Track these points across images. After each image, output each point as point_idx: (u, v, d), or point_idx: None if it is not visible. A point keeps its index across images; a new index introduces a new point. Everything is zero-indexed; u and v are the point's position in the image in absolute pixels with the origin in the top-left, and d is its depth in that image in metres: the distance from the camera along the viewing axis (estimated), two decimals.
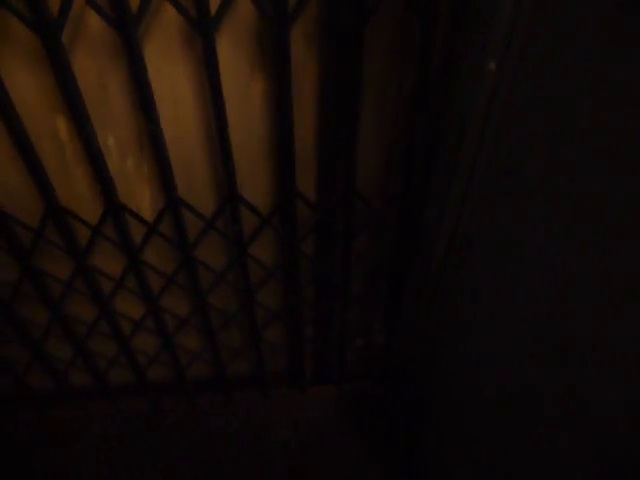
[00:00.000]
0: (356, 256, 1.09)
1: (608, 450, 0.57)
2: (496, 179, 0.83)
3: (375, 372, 1.49)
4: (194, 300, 1.13)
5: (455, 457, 1.08)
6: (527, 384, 0.75)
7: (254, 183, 0.96)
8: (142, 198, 0.96)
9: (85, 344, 1.23)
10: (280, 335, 1.36)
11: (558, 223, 0.66)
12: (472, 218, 0.92)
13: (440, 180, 0.93)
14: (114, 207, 0.91)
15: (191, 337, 1.30)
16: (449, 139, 0.86)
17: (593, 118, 0.57)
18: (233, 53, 0.78)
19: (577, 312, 0.62)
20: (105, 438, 1.41)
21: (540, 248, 0.70)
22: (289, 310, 1.22)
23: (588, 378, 0.60)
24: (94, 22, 0.71)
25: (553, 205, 0.66)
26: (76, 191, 0.94)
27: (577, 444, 0.63)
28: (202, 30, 0.68)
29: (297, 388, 1.48)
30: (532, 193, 0.72)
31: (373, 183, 0.99)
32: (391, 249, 1.10)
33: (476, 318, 0.96)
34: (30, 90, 0.79)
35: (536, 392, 0.72)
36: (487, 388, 0.91)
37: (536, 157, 0.70)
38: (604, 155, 0.55)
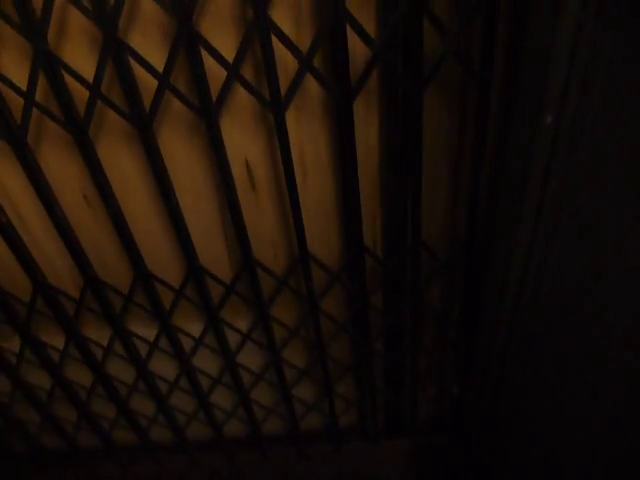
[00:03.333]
0: (425, 306, 1.11)
1: None
2: (562, 225, 0.83)
3: (449, 423, 1.45)
4: (268, 356, 1.17)
5: None
6: (618, 432, 0.73)
7: (323, 240, 1.01)
8: (221, 261, 1.03)
9: (166, 400, 1.29)
10: (352, 388, 1.37)
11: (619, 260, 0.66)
12: (540, 265, 0.92)
13: (505, 230, 0.94)
14: (195, 269, 0.98)
15: (265, 392, 1.33)
16: (512, 191, 0.88)
17: None
18: (298, 120, 0.85)
19: None
20: None
21: (613, 291, 0.70)
22: (360, 363, 1.23)
23: None
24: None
25: (624, 248, 0.67)
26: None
27: None
28: (275, 108, 0.75)
29: (370, 442, 1.47)
30: (600, 236, 0.72)
31: (439, 234, 1.02)
32: (460, 298, 1.11)
33: (553, 367, 0.94)
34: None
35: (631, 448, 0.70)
36: (573, 439, 0.88)
37: (602, 198, 0.71)
38: None
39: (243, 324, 1.13)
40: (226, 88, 0.74)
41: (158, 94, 0.74)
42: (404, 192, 0.93)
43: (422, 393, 1.38)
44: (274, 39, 0.69)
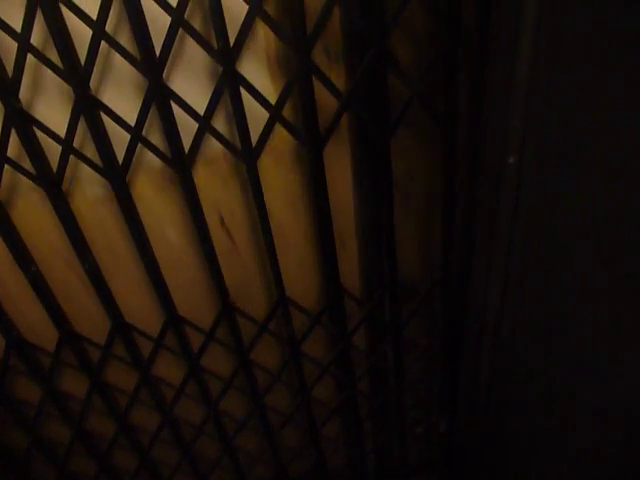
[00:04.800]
0: (407, 343, 1.10)
1: None
2: (530, 259, 0.85)
3: (440, 461, 1.43)
4: (252, 402, 1.15)
5: None
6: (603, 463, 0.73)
7: (302, 283, 1.02)
8: (201, 308, 1.02)
9: (149, 452, 1.25)
10: (339, 431, 1.34)
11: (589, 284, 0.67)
12: (517, 296, 0.93)
13: (480, 262, 0.95)
14: (173, 319, 0.97)
15: (250, 439, 1.30)
16: (483, 225, 0.90)
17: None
18: (274, 167, 0.87)
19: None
20: None
21: (581, 324, 0.71)
22: (345, 404, 1.21)
23: None
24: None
25: (588, 290, 0.68)
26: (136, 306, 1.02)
27: None
28: (247, 158, 0.76)
29: None
30: (565, 281, 0.74)
31: (416, 271, 1.03)
32: (441, 333, 1.11)
33: (537, 395, 0.94)
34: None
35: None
36: (560, 471, 0.87)
37: (566, 243, 0.73)
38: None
39: (225, 369, 1.12)
40: (198, 139, 0.75)
41: (130, 147, 0.75)
42: (379, 231, 0.94)
43: (410, 431, 1.36)
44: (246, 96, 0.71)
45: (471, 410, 1.23)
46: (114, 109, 0.72)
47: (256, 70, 0.79)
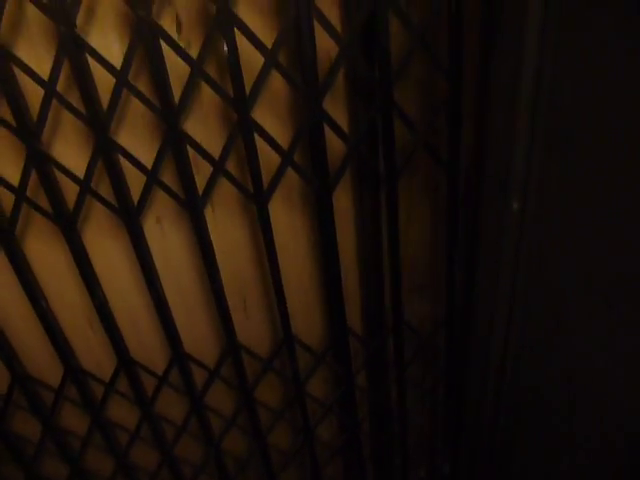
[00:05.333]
0: (410, 383, 1.11)
1: None
2: (534, 297, 0.87)
3: None
4: (253, 441, 1.14)
5: None
6: None
7: (305, 322, 1.03)
8: (204, 345, 1.03)
9: None
10: (341, 472, 1.33)
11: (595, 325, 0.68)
12: (520, 339, 0.94)
13: (484, 304, 0.97)
14: (179, 356, 0.97)
15: (251, 478, 1.29)
16: (486, 267, 0.91)
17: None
18: (283, 211, 0.90)
19: None
20: None
21: (588, 366, 0.72)
22: (348, 445, 1.20)
23: None
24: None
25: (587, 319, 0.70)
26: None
27: None
28: (258, 200, 0.79)
29: None
30: (568, 312, 0.76)
31: (420, 312, 1.04)
32: (444, 374, 1.11)
33: (543, 437, 0.93)
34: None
35: None
36: None
37: (568, 283, 0.75)
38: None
39: (228, 407, 1.12)
40: (212, 182, 0.78)
41: (146, 189, 0.78)
42: (381, 273, 0.96)
43: (413, 474, 1.34)
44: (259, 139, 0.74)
45: (474, 453, 1.22)
46: (130, 150, 0.75)
47: (267, 116, 0.82)
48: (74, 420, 1.11)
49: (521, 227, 0.81)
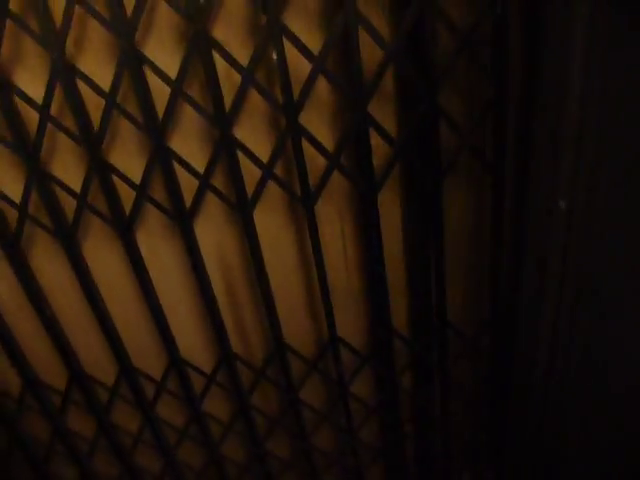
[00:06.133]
0: (454, 385, 1.10)
1: None
2: (582, 301, 0.86)
3: None
4: (298, 442, 1.16)
5: None
6: None
7: (350, 323, 1.04)
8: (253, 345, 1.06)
9: None
10: (382, 475, 1.33)
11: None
12: (566, 344, 0.93)
13: (530, 307, 0.96)
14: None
15: None
16: (532, 272, 0.91)
17: None
18: (327, 211, 0.92)
19: None
20: None
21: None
22: (390, 447, 1.21)
23: None
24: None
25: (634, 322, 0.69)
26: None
27: None
28: (306, 205, 0.81)
29: None
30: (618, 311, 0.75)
31: (464, 313, 1.04)
32: (489, 377, 1.10)
33: (588, 448, 0.92)
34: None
35: None
36: None
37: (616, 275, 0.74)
38: None
39: (273, 408, 1.14)
40: (261, 186, 0.80)
41: (197, 195, 0.81)
42: (428, 274, 0.96)
43: (455, 478, 1.33)
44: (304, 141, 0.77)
45: (519, 459, 1.20)
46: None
47: (313, 120, 0.84)
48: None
49: (569, 228, 0.80)
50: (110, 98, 0.73)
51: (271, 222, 0.92)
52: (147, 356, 1.06)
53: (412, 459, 1.25)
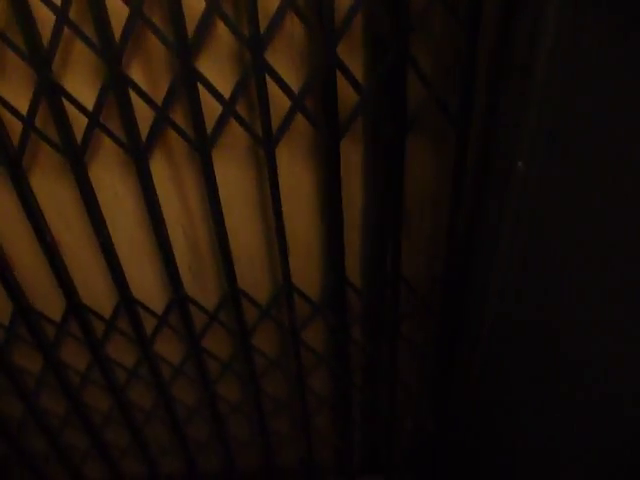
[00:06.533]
0: (403, 340, 1.13)
1: None
2: (532, 261, 0.88)
3: (426, 459, 1.46)
4: (248, 387, 1.17)
5: None
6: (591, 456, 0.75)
7: (306, 272, 1.04)
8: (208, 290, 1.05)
9: (142, 430, 1.28)
10: (329, 423, 1.37)
11: (593, 296, 0.70)
12: (514, 297, 0.96)
13: (482, 265, 0.98)
14: (179, 299, 0.99)
15: (242, 425, 1.33)
16: (487, 230, 0.93)
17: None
18: (289, 157, 0.90)
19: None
20: None
21: (578, 323, 0.74)
22: (338, 396, 1.24)
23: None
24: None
25: (585, 285, 0.72)
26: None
27: None
28: (267, 145, 0.79)
29: (346, 477, 1.46)
30: (564, 272, 0.77)
31: (418, 270, 1.06)
32: (436, 332, 1.14)
33: (529, 396, 0.96)
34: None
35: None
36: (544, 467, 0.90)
37: (565, 232, 0.77)
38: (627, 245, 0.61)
39: (225, 352, 1.14)
40: (221, 123, 0.78)
41: (154, 128, 0.78)
42: (385, 227, 0.97)
43: (399, 428, 1.39)
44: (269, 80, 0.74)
45: (460, 411, 1.26)
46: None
47: (280, 60, 0.81)
48: (74, 356, 1.14)
49: (525, 187, 0.81)
50: (61, 15, 0.68)
51: (231, 165, 0.90)
52: (97, 294, 1.04)
53: (358, 407, 1.29)
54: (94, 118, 0.77)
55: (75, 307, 1.00)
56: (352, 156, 0.92)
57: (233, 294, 0.98)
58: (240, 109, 0.82)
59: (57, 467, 1.37)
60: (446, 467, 1.42)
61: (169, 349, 1.13)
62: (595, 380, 0.74)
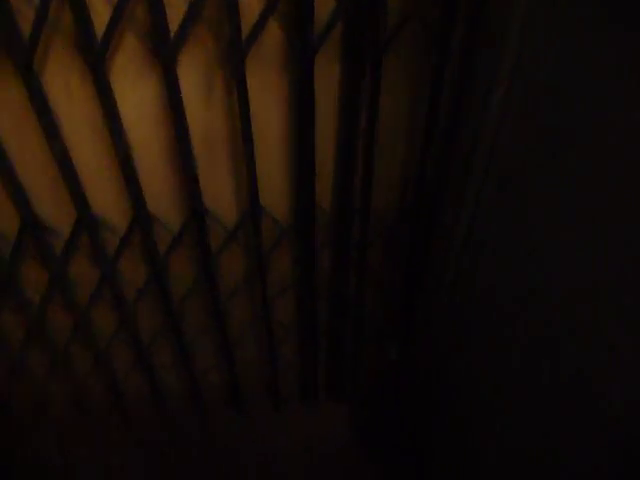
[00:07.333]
0: (370, 271, 1.14)
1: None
2: (503, 188, 0.87)
3: (388, 389, 1.50)
4: (213, 308, 1.17)
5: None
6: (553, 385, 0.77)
7: (273, 195, 1.01)
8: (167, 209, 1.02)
9: (105, 352, 1.27)
10: (294, 349, 1.39)
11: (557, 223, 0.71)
12: (482, 225, 0.96)
13: (452, 195, 0.97)
14: (140, 216, 0.96)
15: (207, 349, 1.34)
16: (463, 153, 0.91)
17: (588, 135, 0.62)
18: (262, 72, 0.85)
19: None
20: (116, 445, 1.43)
21: (543, 246, 0.75)
22: (304, 324, 1.25)
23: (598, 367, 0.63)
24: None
25: (552, 208, 0.72)
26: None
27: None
28: (236, 55, 0.74)
29: (310, 404, 1.50)
30: (533, 200, 0.77)
31: (388, 200, 1.04)
32: (403, 264, 1.14)
33: (492, 327, 0.98)
34: None
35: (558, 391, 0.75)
36: (505, 399, 0.93)
37: (536, 167, 0.76)
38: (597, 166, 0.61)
39: (190, 273, 1.13)
40: (186, 24, 0.72)
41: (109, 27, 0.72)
42: (356, 154, 0.94)
43: (363, 357, 1.41)
44: None
45: (424, 342, 1.28)
46: None
47: None
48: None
49: (501, 120, 0.79)
50: None
51: (196, 78, 0.84)
52: (53, 209, 0.99)
53: (323, 334, 1.31)
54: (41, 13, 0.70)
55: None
56: (328, 77, 0.87)
57: (197, 212, 0.95)
58: (209, 13, 0.76)
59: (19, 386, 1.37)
60: (408, 397, 1.47)
61: (132, 268, 1.11)
62: (555, 309, 0.75)
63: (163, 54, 0.75)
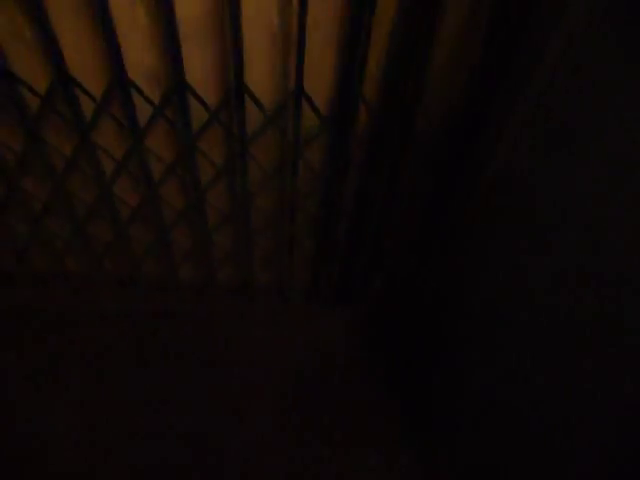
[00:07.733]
0: (403, 170, 1.10)
1: None
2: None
3: (394, 296, 1.50)
4: (191, 194, 1.14)
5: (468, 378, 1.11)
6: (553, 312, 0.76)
7: (263, 76, 0.95)
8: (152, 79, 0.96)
9: (83, 228, 1.26)
10: (313, 247, 1.38)
11: None
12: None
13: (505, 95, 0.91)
14: (122, 81, 0.91)
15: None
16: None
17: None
18: None
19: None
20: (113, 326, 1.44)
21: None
22: (326, 220, 1.23)
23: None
24: None
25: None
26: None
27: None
28: None
29: (317, 304, 1.52)
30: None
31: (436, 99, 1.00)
32: (440, 168, 1.11)
33: (498, 248, 0.95)
34: None
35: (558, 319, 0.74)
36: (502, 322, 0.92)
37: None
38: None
39: (168, 155, 1.09)
40: None
41: None
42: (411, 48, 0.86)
43: (378, 263, 1.39)
44: None
45: (442, 256, 1.23)
46: None
47: None
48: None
49: None
50: None
51: None
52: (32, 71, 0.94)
53: (344, 234, 1.29)
54: None
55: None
56: None
57: (179, 86, 0.90)
58: None
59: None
60: (416, 308, 1.45)
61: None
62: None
63: None
